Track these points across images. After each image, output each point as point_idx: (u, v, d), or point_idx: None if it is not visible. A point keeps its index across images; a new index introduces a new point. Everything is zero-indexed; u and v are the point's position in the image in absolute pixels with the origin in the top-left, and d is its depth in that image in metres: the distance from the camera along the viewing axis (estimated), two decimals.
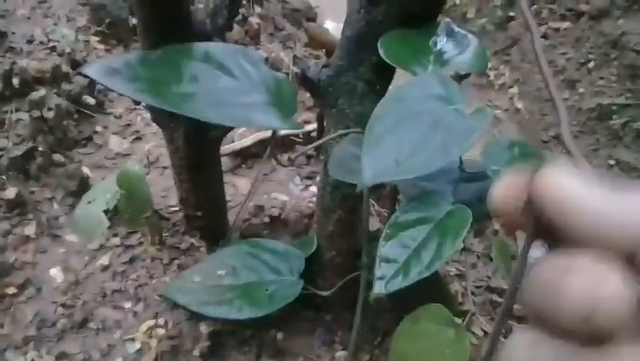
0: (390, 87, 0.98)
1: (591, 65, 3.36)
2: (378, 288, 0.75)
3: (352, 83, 0.94)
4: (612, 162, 2.94)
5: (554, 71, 3.32)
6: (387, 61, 0.84)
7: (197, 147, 1.12)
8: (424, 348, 0.82)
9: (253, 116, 0.75)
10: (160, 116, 1.10)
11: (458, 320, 0.86)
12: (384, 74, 0.95)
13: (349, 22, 0.92)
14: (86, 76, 1.63)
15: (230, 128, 1.15)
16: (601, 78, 3.29)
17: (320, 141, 0.93)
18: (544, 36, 3.63)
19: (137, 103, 1.70)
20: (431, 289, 1.02)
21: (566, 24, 3.61)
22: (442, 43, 0.89)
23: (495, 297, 1.59)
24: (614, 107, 3.04)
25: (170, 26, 0.93)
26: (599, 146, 3.06)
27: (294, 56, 0.95)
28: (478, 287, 1.61)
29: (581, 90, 3.32)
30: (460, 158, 0.87)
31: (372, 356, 1.22)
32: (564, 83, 3.36)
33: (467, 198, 0.87)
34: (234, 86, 0.79)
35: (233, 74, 0.81)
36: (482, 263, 1.80)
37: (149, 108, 1.15)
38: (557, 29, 3.64)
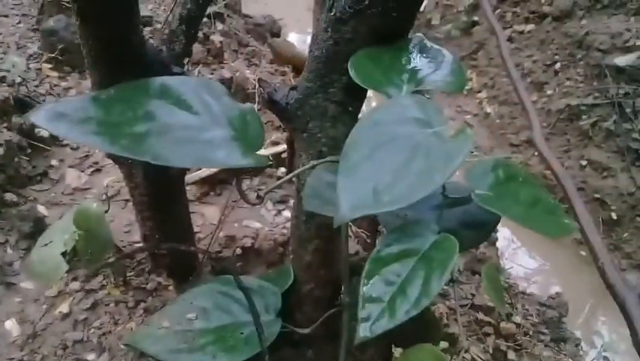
0: (363, 107, 0.92)
1: (557, 66, 3.36)
2: (363, 331, 0.68)
3: (323, 105, 0.87)
4: (584, 162, 2.94)
5: (521, 74, 3.32)
6: (359, 83, 0.77)
7: (158, 183, 1.04)
8: None
9: (214, 155, 0.68)
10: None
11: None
12: (356, 95, 0.88)
13: (316, 41, 0.85)
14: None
15: None
16: (568, 79, 3.29)
17: (290, 175, 0.85)
18: (510, 39, 3.63)
19: None
20: (416, 316, 0.96)
21: (530, 26, 3.62)
22: (416, 60, 0.83)
23: (480, 315, 1.54)
24: (583, 108, 3.04)
25: (121, 58, 0.84)
26: (570, 147, 3.06)
27: (259, 79, 0.88)
28: (462, 306, 1.56)
29: (549, 92, 3.32)
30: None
31: None
32: (532, 85, 3.36)
33: (452, 225, 0.81)
34: (194, 122, 0.72)
35: (193, 108, 0.74)
36: (464, 278, 1.74)
37: None
38: (522, 32, 3.64)
